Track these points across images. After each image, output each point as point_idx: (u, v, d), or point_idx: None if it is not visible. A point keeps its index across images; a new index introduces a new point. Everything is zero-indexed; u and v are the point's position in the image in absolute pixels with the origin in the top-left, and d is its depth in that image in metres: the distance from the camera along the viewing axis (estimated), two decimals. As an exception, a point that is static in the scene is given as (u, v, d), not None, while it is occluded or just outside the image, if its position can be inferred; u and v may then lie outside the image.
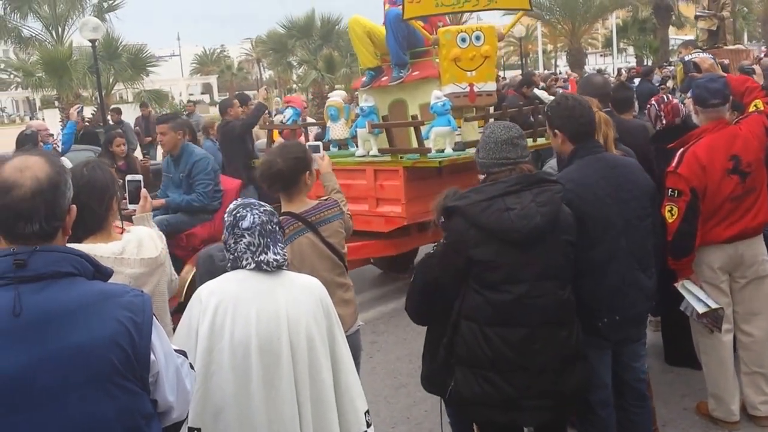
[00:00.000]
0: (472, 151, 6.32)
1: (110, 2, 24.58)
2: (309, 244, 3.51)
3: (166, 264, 2.96)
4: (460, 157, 6.54)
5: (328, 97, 8.15)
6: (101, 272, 1.94)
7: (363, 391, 2.85)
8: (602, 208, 3.35)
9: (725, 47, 12.91)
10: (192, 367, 2.25)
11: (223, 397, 2.52)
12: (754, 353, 4.30)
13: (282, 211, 3.54)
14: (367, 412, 2.81)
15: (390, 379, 5.43)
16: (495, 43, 6.94)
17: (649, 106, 4.80)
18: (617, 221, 3.38)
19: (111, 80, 23.84)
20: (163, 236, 2.93)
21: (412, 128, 6.85)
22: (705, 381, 4.40)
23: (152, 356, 1.91)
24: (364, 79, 8.05)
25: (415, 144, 6.75)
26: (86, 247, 2.50)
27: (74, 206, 1.94)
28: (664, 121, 4.66)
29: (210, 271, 2.87)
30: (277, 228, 2.75)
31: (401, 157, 6.75)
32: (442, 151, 6.56)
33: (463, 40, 6.73)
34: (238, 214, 2.70)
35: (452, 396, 3.27)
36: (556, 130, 3.54)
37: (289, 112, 8.30)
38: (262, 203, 2.79)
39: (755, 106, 4.36)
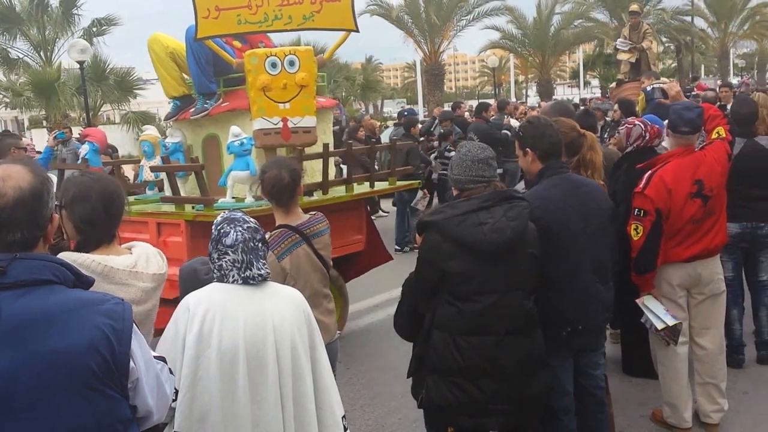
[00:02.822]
0: (314, 197, 5.69)
1: (99, 27, 24.55)
2: (305, 256, 3.56)
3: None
4: (263, 208, 4.98)
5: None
6: (82, 281, 1.91)
7: (340, 397, 2.87)
8: (569, 224, 3.45)
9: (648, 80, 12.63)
10: (171, 372, 2.23)
11: (210, 402, 2.52)
12: (707, 365, 4.40)
13: (278, 223, 3.59)
14: (344, 416, 2.84)
15: (365, 389, 5.46)
16: (313, 69, 5.67)
17: (631, 126, 4.81)
18: (582, 236, 3.47)
19: (99, 102, 23.74)
20: (164, 255, 2.82)
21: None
22: (660, 390, 4.50)
23: (131, 363, 1.88)
24: (169, 110, 6.65)
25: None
26: (102, 259, 2.46)
27: (56, 215, 1.91)
28: (646, 138, 4.70)
29: (195, 285, 2.83)
30: (260, 245, 2.71)
31: (194, 208, 5.49)
32: (243, 199, 5.47)
33: (274, 65, 5.48)
34: (222, 230, 2.67)
35: (424, 403, 3.32)
36: (527, 149, 3.61)
37: (85, 148, 6.66)
38: (247, 219, 2.75)
39: (717, 133, 4.45)
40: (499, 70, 40.81)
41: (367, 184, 6.59)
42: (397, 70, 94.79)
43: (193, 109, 6.13)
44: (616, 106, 8.28)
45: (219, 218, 2.75)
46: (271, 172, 3.56)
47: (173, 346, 2.55)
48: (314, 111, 5.70)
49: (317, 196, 5.96)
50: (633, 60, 12.24)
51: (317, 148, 5.80)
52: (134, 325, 1.92)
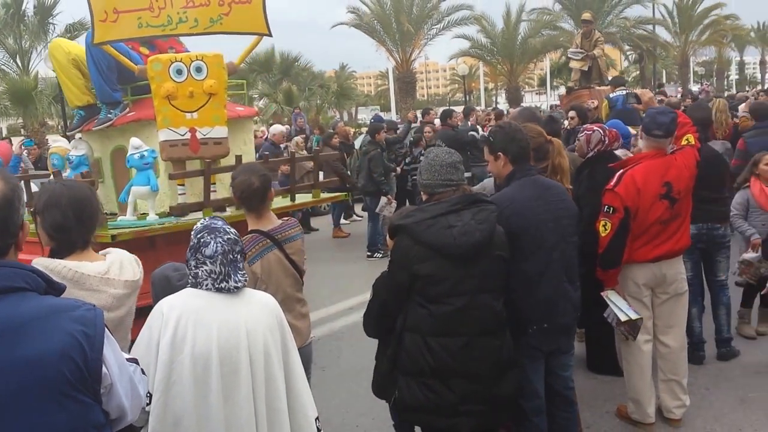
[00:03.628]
0: (196, 215, 5.09)
1: (73, 33, 24.27)
2: (276, 261, 3.52)
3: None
4: (165, 226, 4.81)
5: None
6: (54, 288, 1.88)
7: (313, 399, 2.85)
8: (538, 224, 3.46)
9: (597, 88, 11.57)
10: (144, 372, 2.22)
11: (183, 406, 2.49)
12: (670, 362, 4.45)
13: (250, 228, 3.54)
14: (317, 418, 2.82)
15: (340, 390, 5.43)
16: (223, 76, 5.20)
17: (590, 132, 4.87)
18: (551, 237, 3.49)
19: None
20: (139, 261, 2.81)
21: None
22: (624, 387, 4.53)
23: (104, 369, 1.85)
24: (74, 120, 6.12)
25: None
26: (74, 265, 2.45)
27: (27, 222, 1.88)
28: (605, 142, 4.75)
29: (168, 292, 2.80)
30: (239, 256, 2.67)
31: None
32: (146, 216, 5.06)
33: (179, 71, 5.00)
34: (201, 239, 2.62)
35: (396, 404, 3.31)
36: (499, 153, 3.61)
37: None
38: (228, 229, 2.68)
39: (687, 140, 4.51)
40: (469, 77, 40.98)
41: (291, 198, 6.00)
42: (370, 78, 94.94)
43: (96, 120, 5.66)
44: (573, 113, 7.96)
45: (199, 225, 2.70)
46: (240, 177, 3.54)
47: (147, 351, 2.52)
48: (225, 121, 5.25)
49: (230, 211, 5.33)
50: (585, 68, 12.03)
51: (231, 160, 5.29)
52: (106, 330, 1.89)
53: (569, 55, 12.65)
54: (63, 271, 2.41)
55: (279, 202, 5.84)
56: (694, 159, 4.38)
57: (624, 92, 8.58)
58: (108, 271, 2.55)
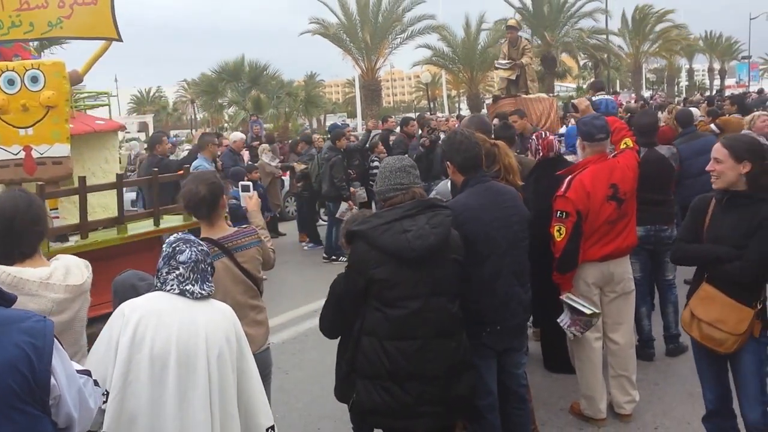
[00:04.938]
0: (71, 242, 4.60)
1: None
2: (223, 269, 3.45)
3: (89, 292, 2.84)
4: None
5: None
6: (4, 298, 1.84)
7: (269, 408, 2.81)
8: (489, 231, 3.46)
9: (525, 96, 11.28)
10: (97, 383, 2.17)
11: (138, 406, 2.47)
12: (620, 359, 4.48)
13: (200, 236, 3.48)
14: (272, 427, 2.77)
15: (302, 393, 5.37)
16: (64, 86, 4.56)
17: (531, 140, 5.03)
18: (502, 242, 3.49)
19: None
20: (89, 265, 2.80)
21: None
22: (578, 385, 4.55)
23: (53, 380, 1.82)
24: None
25: None
26: (15, 270, 2.44)
27: None
28: (541, 154, 4.86)
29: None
30: (209, 268, 2.74)
31: None
32: None
33: (11, 82, 4.39)
34: (177, 248, 2.67)
35: (354, 406, 3.28)
36: (447, 162, 3.64)
37: None
38: (200, 242, 2.77)
39: (625, 143, 4.57)
40: (433, 85, 41.22)
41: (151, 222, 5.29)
42: (338, 86, 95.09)
43: None
44: (496, 120, 7.60)
45: (172, 238, 2.73)
46: (187, 186, 3.50)
47: (107, 350, 2.50)
48: (67, 137, 4.59)
49: (74, 241, 4.73)
50: (513, 77, 11.63)
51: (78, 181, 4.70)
52: (56, 341, 1.85)
53: (497, 66, 12.11)
54: (2, 276, 2.40)
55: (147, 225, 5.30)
56: (635, 160, 4.46)
57: (604, 96, 8.58)
58: (50, 277, 2.54)
